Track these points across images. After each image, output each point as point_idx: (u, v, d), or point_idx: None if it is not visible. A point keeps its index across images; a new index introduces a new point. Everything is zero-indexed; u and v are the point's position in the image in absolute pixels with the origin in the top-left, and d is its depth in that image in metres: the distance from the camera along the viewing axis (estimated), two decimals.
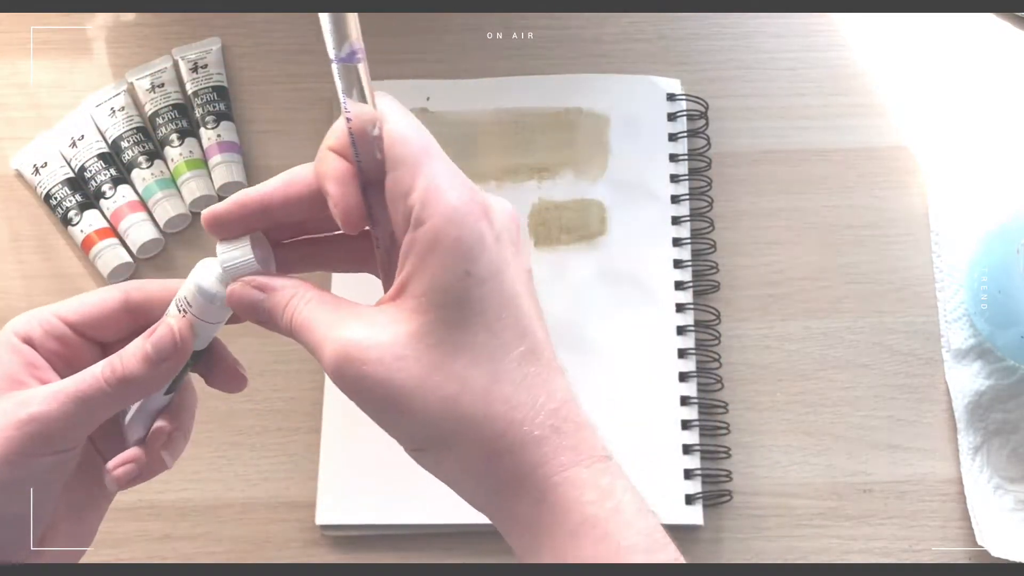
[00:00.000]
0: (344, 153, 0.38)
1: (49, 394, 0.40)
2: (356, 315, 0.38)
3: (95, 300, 0.43)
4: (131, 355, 0.41)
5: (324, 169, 0.39)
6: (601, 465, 0.38)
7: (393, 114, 0.38)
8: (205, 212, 0.40)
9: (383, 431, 0.66)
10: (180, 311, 0.42)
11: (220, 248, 0.41)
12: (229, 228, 0.40)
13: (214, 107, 0.70)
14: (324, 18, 0.40)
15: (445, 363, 0.36)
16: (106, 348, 0.44)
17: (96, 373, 0.41)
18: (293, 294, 0.40)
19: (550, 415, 0.37)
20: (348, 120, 0.38)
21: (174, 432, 0.44)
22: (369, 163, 0.38)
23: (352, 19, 0.40)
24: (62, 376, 0.42)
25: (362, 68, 0.39)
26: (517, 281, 0.38)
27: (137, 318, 0.44)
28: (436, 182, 0.37)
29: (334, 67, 0.39)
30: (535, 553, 0.39)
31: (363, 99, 0.38)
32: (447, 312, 0.36)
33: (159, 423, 0.44)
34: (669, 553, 0.37)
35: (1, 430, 0.40)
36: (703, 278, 0.67)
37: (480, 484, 0.39)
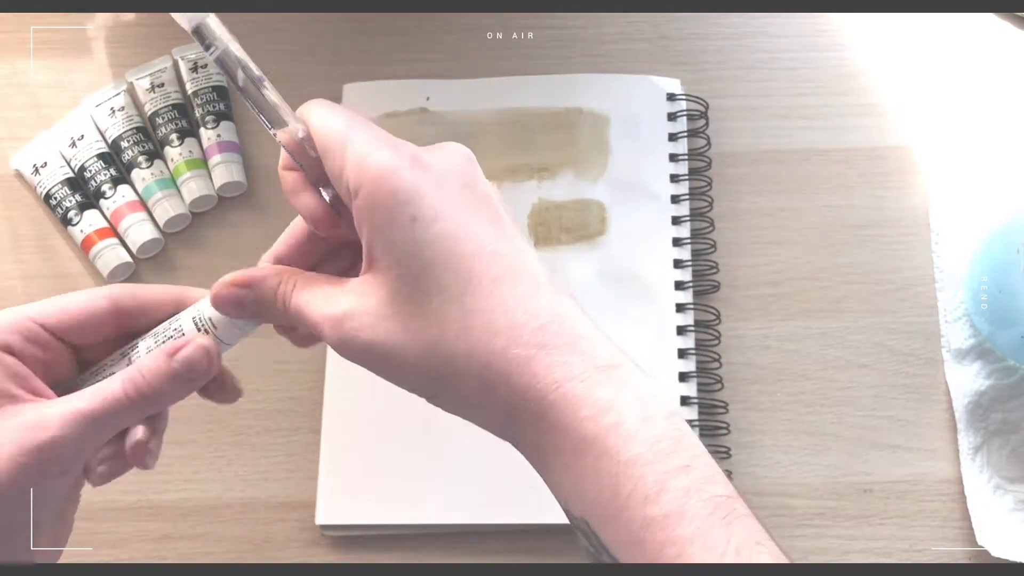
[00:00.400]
0: (293, 166, 0.41)
1: (67, 417, 0.40)
2: (343, 290, 0.40)
3: (80, 304, 0.43)
4: (155, 373, 0.41)
5: (285, 188, 0.41)
6: (601, 376, 0.37)
7: (313, 112, 0.41)
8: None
9: (383, 432, 0.67)
10: (202, 330, 0.42)
11: None
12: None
13: (214, 107, 0.70)
14: (217, 60, 0.43)
15: (420, 311, 0.38)
16: (80, 351, 0.44)
17: (115, 391, 0.41)
18: (278, 281, 0.41)
19: (535, 333, 0.37)
20: (274, 136, 0.40)
21: (153, 437, 0.44)
22: (313, 165, 0.40)
23: (236, 46, 0.43)
24: (45, 382, 0.42)
25: (267, 88, 0.42)
26: (475, 212, 0.39)
27: (124, 324, 0.44)
28: (359, 151, 0.38)
29: (245, 100, 0.42)
30: (548, 474, 0.39)
31: (279, 118, 0.41)
32: (408, 263, 0.38)
33: (142, 427, 0.43)
34: (681, 457, 0.36)
35: (13, 456, 0.39)
36: (703, 278, 0.67)
37: (488, 416, 0.40)
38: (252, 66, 0.42)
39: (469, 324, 0.37)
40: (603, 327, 0.67)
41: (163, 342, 0.43)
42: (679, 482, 0.35)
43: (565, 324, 0.38)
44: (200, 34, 0.43)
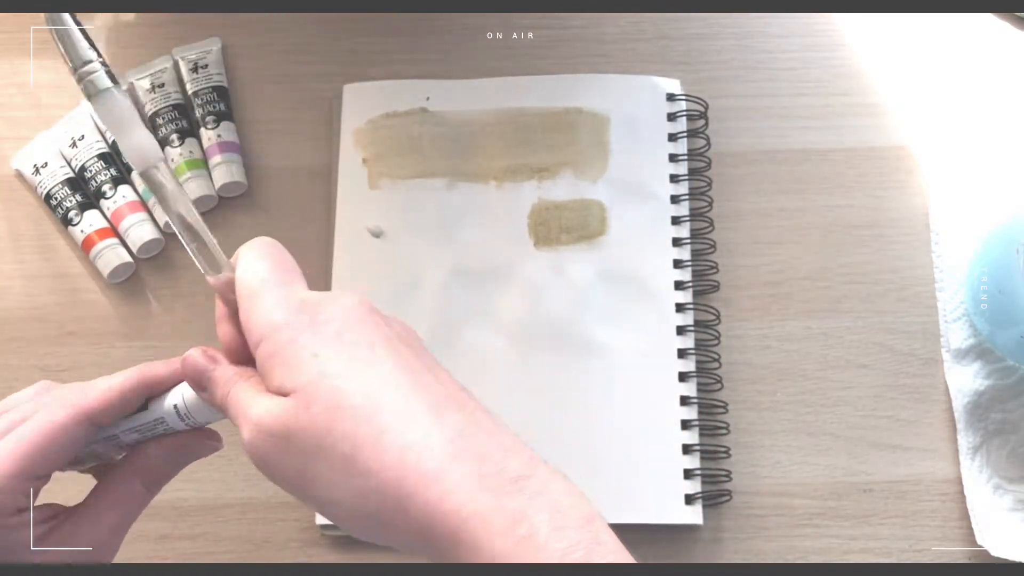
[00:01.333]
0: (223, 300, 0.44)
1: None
2: (263, 400, 0.40)
3: (117, 393, 0.47)
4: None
5: (216, 314, 0.45)
6: (512, 486, 0.37)
7: (240, 259, 0.43)
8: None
9: None
10: (184, 422, 0.48)
11: None
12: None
13: (214, 107, 0.70)
14: (161, 200, 0.45)
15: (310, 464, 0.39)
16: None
17: (140, 492, 0.50)
18: (235, 372, 0.43)
19: (446, 445, 0.37)
20: (206, 277, 0.44)
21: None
22: (232, 306, 0.43)
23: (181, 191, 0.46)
24: None
25: (207, 234, 0.44)
26: (363, 368, 0.39)
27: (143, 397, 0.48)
28: (258, 311, 0.41)
29: (185, 244, 0.44)
30: None
31: (216, 263, 0.44)
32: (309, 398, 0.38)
33: None
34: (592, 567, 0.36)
35: None
36: (703, 278, 0.67)
37: (398, 536, 0.39)
38: (196, 213, 0.44)
39: (381, 442, 0.37)
40: (603, 327, 0.67)
41: (150, 434, 0.49)
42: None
43: (476, 437, 0.38)
44: (149, 176, 0.44)
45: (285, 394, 0.39)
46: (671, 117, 0.70)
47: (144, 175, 0.44)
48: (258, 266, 0.42)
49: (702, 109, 0.70)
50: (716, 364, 0.66)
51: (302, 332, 0.40)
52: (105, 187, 0.68)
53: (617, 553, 0.36)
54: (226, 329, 0.44)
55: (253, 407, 0.40)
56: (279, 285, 0.42)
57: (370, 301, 0.42)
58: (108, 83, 0.43)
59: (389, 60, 0.73)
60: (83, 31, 0.43)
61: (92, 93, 0.43)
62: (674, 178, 0.69)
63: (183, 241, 0.44)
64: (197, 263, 0.44)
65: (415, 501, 0.37)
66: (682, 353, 0.65)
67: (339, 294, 0.42)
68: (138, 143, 0.44)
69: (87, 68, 0.42)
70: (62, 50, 0.43)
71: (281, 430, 0.38)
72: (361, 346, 0.40)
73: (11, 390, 0.49)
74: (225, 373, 0.43)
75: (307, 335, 0.40)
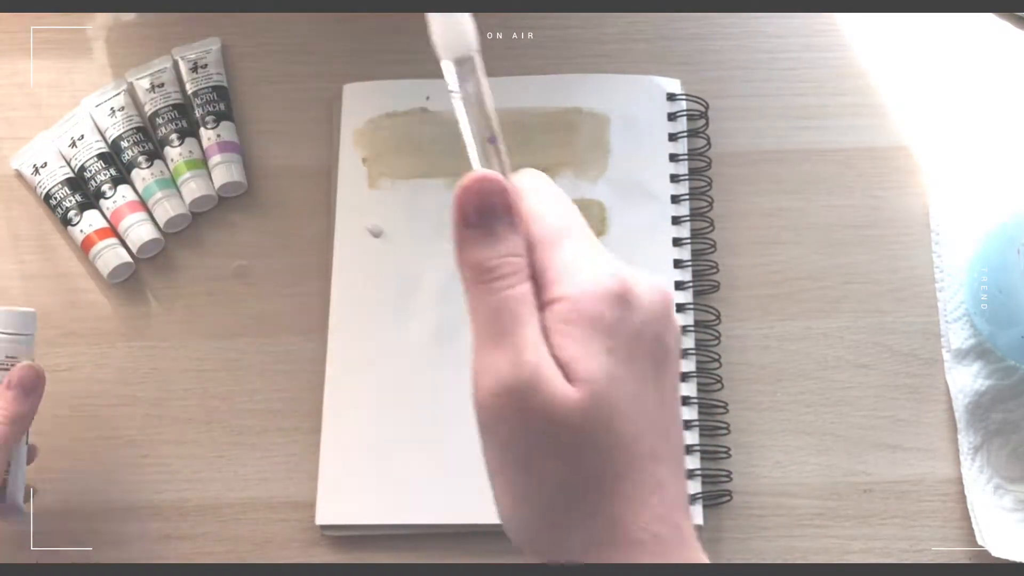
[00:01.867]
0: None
1: None
2: (557, 378, 0.36)
3: None
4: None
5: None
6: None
7: (531, 191, 0.39)
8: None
9: (383, 432, 0.66)
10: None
11: None
12: None
13: (214, 107, 0.70)
14: (463, 100, 0.40)
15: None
16: None
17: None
18: (514, 273, 0.38)
19: (653, 537, 0.36)
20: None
21: None
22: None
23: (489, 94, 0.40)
24: None
25: (502, 147, 0.40)
26: (638, 393, 0.36)
27: None
28: (575, 265, 0.37)
29: (473, 152, 0.40)
30: None
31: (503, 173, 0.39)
32: (594, 385, 0.35)
33: None
34: None
35: None
36: (703, 278, 0.67)
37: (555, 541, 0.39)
38: (495, 121, 0.40)
39: (623, 486, 0.36)
40: None
41: None
42: None
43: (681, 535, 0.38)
44: (460, 67, 0.40)
45: (567, 373, 0.35)
46: (671, 117, 0.70)
47: (457, 62, 0.40)
48: (563, 208, 0.39)
49: (702, 109, 0.70)
50: (716, 364, 0.66)
51: (611, 318, 0.36)
52: (105, 187, 0.68)
53: None
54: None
55: (544, 370, 0.36)
56: (591, 243, 0.38)
57: (671, 296, 0.39)
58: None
59: (389, 60, 0.73)
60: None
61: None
62: (674, 178, 0.69)
63: (476, 143, 0.40)
64: (478, 164, 0.40)
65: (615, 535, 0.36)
66: (682, 353, 0.65)
67: (647, 281, 0.38)
68: (457, 22, 0.41)
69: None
70: None
71: (549, 415, 0.35)
72: (648, 361, 0.37)
73: None
74: (516, 245, 0.37)
75: (613, 323, 0.36)
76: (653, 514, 0.36)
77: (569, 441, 0.35)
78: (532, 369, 0.36)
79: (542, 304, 0.37)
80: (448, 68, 0.40)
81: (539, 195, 0.39)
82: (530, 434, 0.36)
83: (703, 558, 0.38)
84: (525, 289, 0.37)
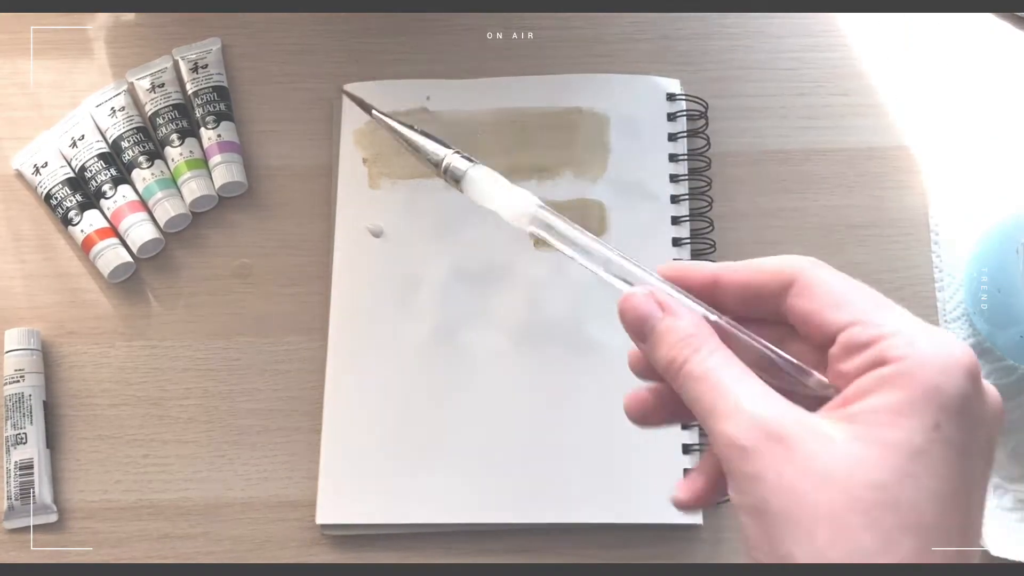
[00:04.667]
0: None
1: None
2: (782, 400, 0.32)
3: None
4: None
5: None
6: None
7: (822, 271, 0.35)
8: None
9: (383, 431, 0.66)
10: None
11: None
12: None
13: (214, 107, 0.70)
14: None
15: (874, 512, 0.31)
16: None
17: None
18: (695, 333, 0.35)
19: None
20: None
21: None
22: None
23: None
24: None
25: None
26: (973, 470, 0.32)
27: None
28: (910, 328, 0.32)
29: (605, 276, 0.40)
30: None
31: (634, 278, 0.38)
32: (905, 458, 0.31)
33: None
34: None
35: None
36: None
37: None
38: (599, 242, 0.40)
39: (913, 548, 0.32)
40: (603, 327, 0.67)
41: None
42: None
43: None
44: (537, 223, 0.41)
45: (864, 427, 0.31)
46: (671, 117, 0.70)
47: (533, 225, 0.41)
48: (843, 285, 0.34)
49: (702, 109, 0.71)
50: None
51: (954, 392, 0.31)
52: (105, 187, 0.68)
53: None
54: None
55: (792, 417, 0.32)
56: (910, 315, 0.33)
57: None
58: (466, 164, 0.43)
59: (389, 60, 0.73)
60: (424, 133, 0.45)
61: (459, 178, 0.43)
62: (674, 178, 0.69)
63: (599, 268, 0.39)
64: (616, 284, 0.39)
65: None
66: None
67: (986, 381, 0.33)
68: (512, 200, 0.42)
69: (444, 163, 0.43)
70: (416, 155, 0.45)
71: (810, 467, 0.31)
72: (980, 461, 0.32)
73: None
74: (684, 327, 0.35)
75: (954, 398, 0.31)
76: None
77: (838, 503, 0.31)
78: (773, 424, 0.32)
79: (877, 362, 0.32)
80: (534, 231, 0.41)
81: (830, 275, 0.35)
82: (793, 496, 0.31)
83: None
84: (722, 358, 0.34)
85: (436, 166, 0.44)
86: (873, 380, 0.32)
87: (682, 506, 0.38)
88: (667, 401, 0.37)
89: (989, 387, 0.33)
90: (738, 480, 0.32)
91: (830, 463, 0.31)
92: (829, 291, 0.35)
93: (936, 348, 0.31)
